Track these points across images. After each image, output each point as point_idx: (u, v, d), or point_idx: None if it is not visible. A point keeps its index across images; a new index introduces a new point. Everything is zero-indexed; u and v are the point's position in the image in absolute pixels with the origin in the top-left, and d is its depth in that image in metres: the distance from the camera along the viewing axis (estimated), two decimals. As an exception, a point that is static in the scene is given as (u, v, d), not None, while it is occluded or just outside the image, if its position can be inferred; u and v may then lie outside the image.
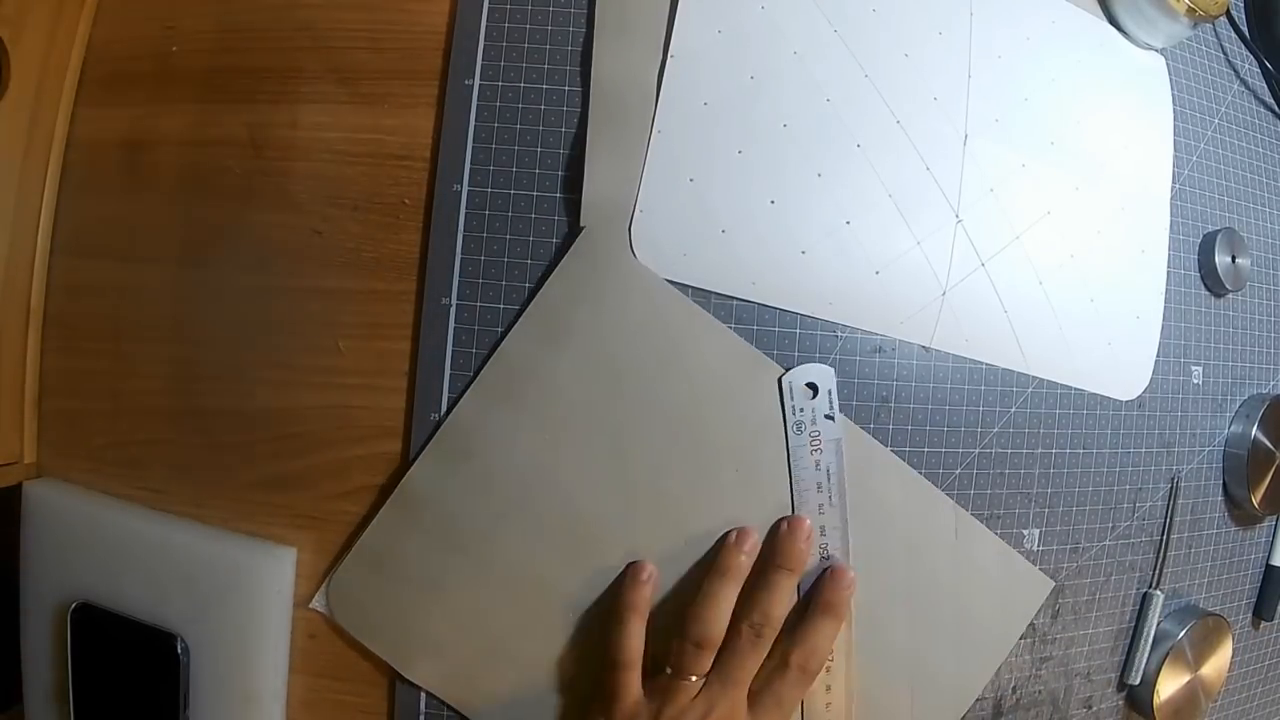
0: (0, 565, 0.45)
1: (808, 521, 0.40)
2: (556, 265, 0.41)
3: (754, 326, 0.42)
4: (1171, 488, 0.50)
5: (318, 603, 0.42)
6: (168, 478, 0.44)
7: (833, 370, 0.41)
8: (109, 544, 0.42)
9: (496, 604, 0.41)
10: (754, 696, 0.38)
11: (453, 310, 0.41)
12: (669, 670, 0.38)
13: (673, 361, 0.40)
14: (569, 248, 0.41)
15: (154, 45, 0.45)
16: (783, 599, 0.39)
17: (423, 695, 0.41)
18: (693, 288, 0.41)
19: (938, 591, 0.43)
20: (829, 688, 0.41)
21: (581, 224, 0.41)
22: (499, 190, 0.42)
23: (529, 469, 0.40)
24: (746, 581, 0.39)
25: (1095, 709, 0.48)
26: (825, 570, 0.41)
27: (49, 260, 0.45)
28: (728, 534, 0.40)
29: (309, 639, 0.42)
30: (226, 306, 0.43)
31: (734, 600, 0.39)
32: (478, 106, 0.42)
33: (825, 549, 0.41)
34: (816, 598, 0.40)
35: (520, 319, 0.41)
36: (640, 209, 0.41)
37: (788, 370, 0.41)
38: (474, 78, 0.42)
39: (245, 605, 0.41)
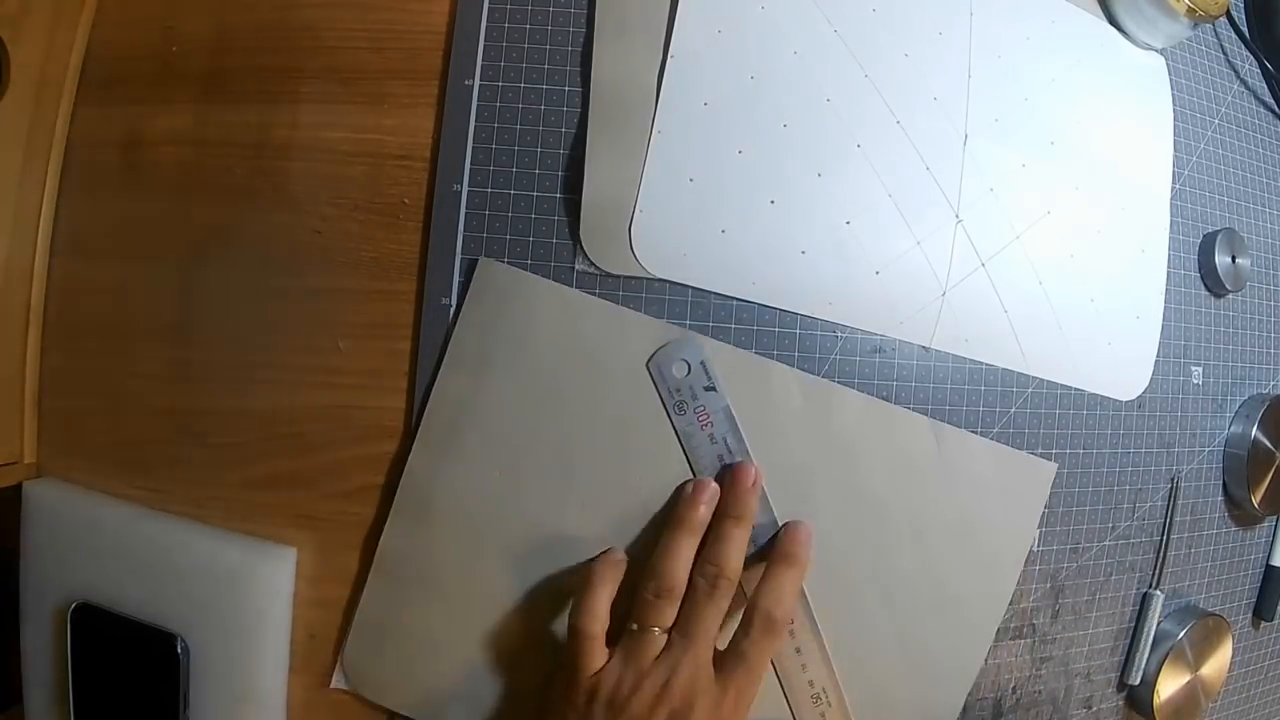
0: (0, 565, 0.45)
1: (752, 468, 0.40)
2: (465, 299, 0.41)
3: (754, 327, 0.42)
4: (1171, 488, 0.50)
5: (337, 681, 0.42)
6: (168, 478, 0.44)
7: (699, 342, 0.41)
8: (109, 544, 0.42)
9: (497, 639, 0.41)
10: (721, 659, 0.38)
11: (453, 310, 0.41)
12: (634, 626, 0.38)
13: (579, 364, 0.41)
14: (567, 248, 0.41)
15: (154, 45, 0.45)
16: (734, 548, 0.38)
17: (423, 695, 0.41)
18: (693, 288, 0.41)
19: (937, 508, 0.42)
20: (813, 685, 0.41)
21: (581, 224, 0.41)
22: (499, 190, 0.42)
23: (491, 504, 0.41)
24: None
25: (1095, 709, 0.48)
26: (781, 527, 0.41)
27: (49, 260, 0.45)
28: (684, 485, 0.40)
29: (309, 639, 0.42)
30: (226, 306, 0.43)
31: (693, 552, 0.38)
32: (478, 106, 0.42)
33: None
34: (774, 550, 0.40)
35: (441, 366, 0.41)
36: (640, 209, 0.41)
37: (653, 355, 0.41)
38: (474, 78, 0.42)
39: (245, 605, 0.41)
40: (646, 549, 0.40)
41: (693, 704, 0.36)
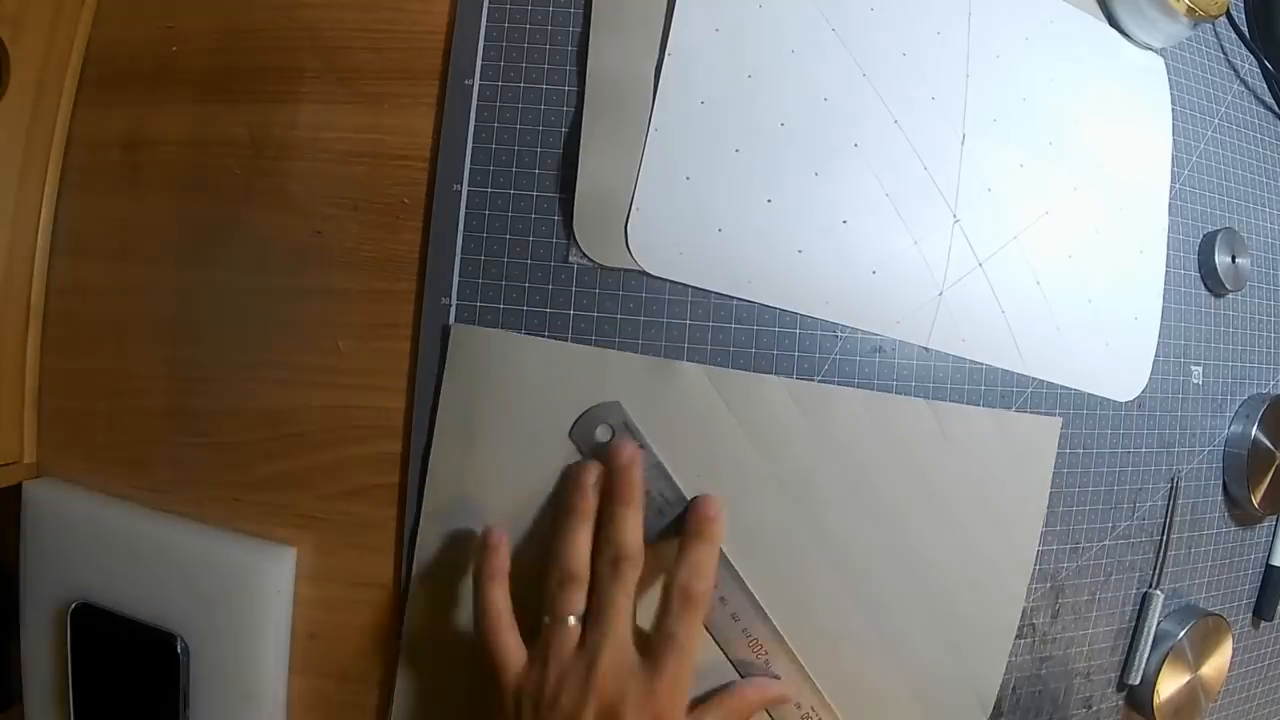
0: (0, 565, 0.45)
1: (628, 446, 0.39)
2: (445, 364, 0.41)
3: (754, 326, 0.42)
4: (1171, 488, 0.50)
5: None
6: (168, 478, 0.44)
7: (618, 403, 0.40)
8: (109, 544, 0.42)
9: None
10: (647, 642, 0.37)
11: (453, 310, 0.41)
12: (546, 618, 0.37)
13: (559, 413, 0.40)
14: (565, 249, 0.41)
15: (154, 45, 0.45)
16: (626, 528, 0.37)
17: (422, 695, 0.41)
18: (692, 287, 0.41)
19: (950, 487, 0.43)
20: (757, 644, 0.41)
21: (575, 217, 0.41)
22: (499, 190, 0.42)
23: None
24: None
25: (1095, 709, 0.48)
26: (690, 502, 0.40)
27: (49, 260, 0.45)
28: (568, 469, 0.40)
29: (309, 639, 0.42)
30: (226, 306, 0.43)
31: (588, 536, 0.38)
32: (478, 106, 0.42)
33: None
34: (685, 526, 0.39)
35: (434, 437, 0.40)
36: (636, 207, 0.41)
37: (573, 428, 0.40)
38: (474, 78, 0.42)
39: (245, 605, 0.41)
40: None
41: (623, 692, 0.35)
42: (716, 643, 0.41)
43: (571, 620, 0.37)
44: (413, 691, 0.41)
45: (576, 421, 0.40)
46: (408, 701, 0.41)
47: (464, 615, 0.40)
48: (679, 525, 0.40)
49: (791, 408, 0.41)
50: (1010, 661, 0.45)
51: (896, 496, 0.42)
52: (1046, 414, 0.45)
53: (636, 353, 0.41)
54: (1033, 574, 0.44)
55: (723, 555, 0.40)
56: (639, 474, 0.39)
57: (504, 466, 0.40)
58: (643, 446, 0.40)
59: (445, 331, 0.41)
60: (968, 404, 0.44)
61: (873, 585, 0.42)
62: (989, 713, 0.44)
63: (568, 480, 0.39)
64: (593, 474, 0.39)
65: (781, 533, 0.41)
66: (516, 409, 0.40)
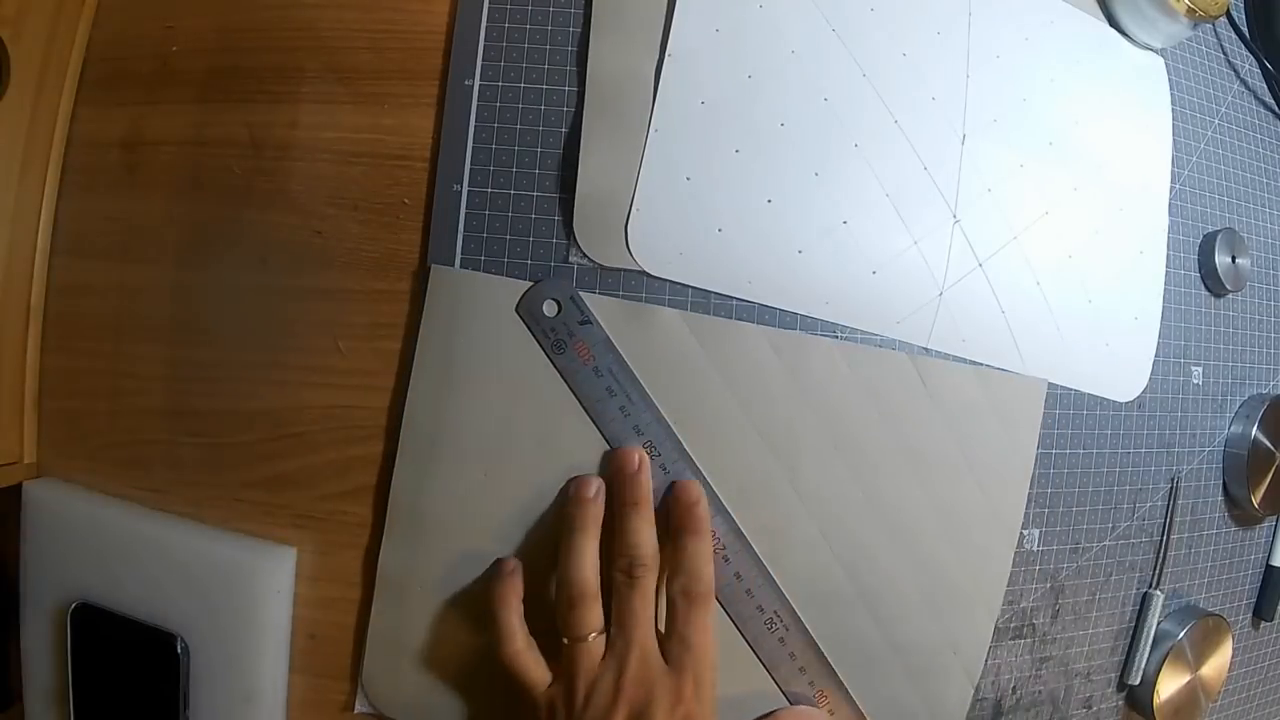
0: (0, 565, 0.45)
1: (635, 453, 0.39)
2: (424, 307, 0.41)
3: (754, 325, 0.41)
4: (1171, 488, 0.50)
5: (360, 705, 0.41)
6: (167, 478, 0.44)
7: (568, 279, 0.40)
8: (109, 544, 0.42)
9: None
10: (665, 647, 0.37)
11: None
12: (565, 640, 0.37)
13: (533, 355, 0.40)
14: (565, 249, 0.41)
15: (154, 45, 0.45)
16: (641, 534, 0.38)
17: (422, 695, 0.41)
18: (692, 287, 0.41)
19: (933, 442, 0.43)
20: (764, 610, 0.41)
21: (575, 217, 0.41)
22: (499, 190, 0.42)
23: (481, 505, 0.40)
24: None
25: (1095, 709, 0.48)
26: (668, 491, 0.40)
27: (49, 260, 0.45)
28: (567, 485, 0.40)
29: (309, 639, 0.42)
30: (226, 306, 0.43)
31: (595, 549, 0.38)
32: (478, 106, 0.42)
33: (651, 447, 0.40)
34: (672, 524, 0.39)
35: (411, 378, 0.40)
36: (636, 208, 0.41)
37: (520, 301, 0.40)
38: (474, 78, 0.42)
39: (245, 605, 0.41)
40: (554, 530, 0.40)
41: (651, 695, 0.35)
42: (732, 620, 0.41)
43: (591, 637, 0.37)
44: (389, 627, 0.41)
45: (523, 296, 0.40)
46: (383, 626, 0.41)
47: (442, 551, 0.41)
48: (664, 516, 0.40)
49: (770, 356, 0.41)
50: (1010, 661, 0.45)
51: (877, 449, 0.42)
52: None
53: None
54: (1020, 553, 0.44)
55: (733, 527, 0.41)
56: (648, 478, 0.39)
57: (478, 408, 0.40)
58: (588, 322, 0.40)
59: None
60: (968, 403, 0.44)
61: (851, 539, 0.42)
62: (975, 682, 0.44)
63: (569, 495, 0.40)
64: (593, 486, 0.39)
65: (759, 481, 0.41)
66: (492, 350, 0.40)
